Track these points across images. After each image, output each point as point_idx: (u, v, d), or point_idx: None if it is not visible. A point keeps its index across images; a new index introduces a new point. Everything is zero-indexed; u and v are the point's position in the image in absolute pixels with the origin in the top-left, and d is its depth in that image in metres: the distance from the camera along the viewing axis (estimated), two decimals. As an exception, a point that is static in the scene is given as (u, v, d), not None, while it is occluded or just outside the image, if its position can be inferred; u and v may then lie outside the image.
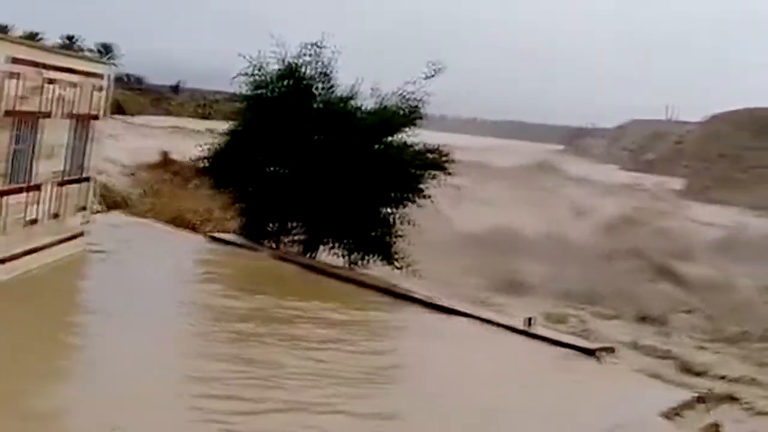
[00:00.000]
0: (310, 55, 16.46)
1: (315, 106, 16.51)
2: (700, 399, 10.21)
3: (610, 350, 11.50)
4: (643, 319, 25.97)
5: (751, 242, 37.39)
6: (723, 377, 19.89)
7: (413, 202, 16.54)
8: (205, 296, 11.42)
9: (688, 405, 9.65)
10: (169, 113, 56.60)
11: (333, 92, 16.76)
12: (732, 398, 17.50)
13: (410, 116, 16.47)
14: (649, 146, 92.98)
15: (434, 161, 16.67)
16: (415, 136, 16.69)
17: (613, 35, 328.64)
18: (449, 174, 16.95)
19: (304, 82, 16.48)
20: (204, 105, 62.16)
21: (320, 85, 16.68)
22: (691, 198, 56.43)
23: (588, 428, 7.83)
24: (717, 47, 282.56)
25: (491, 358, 10.38)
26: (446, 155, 16.85)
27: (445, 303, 12.69)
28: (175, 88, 71.56)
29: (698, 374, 20.30)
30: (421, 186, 16.45)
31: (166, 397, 7.06)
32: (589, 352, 10.91)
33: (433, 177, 16.59)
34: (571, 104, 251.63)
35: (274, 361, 8.57)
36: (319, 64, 16.52)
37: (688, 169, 71.16)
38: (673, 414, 9.14)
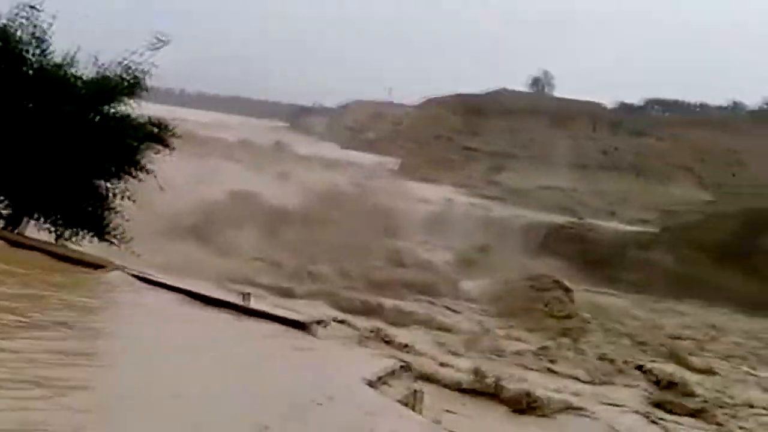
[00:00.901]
0: (25, 18, 15.21)
1: (28, 72, 15.33)
2: (406, 367, 10.83)
3: (323, 323, 11.78)
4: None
5: (457, 217, 40.31)
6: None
7: (132, 175, 15.94)
8: None
9: (393, 373, 10.20)
10: None
11: (49, 58, 15.64)
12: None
13: (132, 87, 15.76)
14: (369, 126, 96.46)
15: (156, 134, 16.15)
16: (138, 108, 16.05)
17: (339, 19, 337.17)
18: (173, 148, 16.53)
19: (17, 45, 15.23)
20: None
21: (34, 50, 15.48)
22: (406, 177, 59.42)
23: (295, 402, 7.95)
24: (433, 35, 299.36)
25: (201, 336, 10.10)
26: (169, 128, 16.39)
27: (158, 279, 12.29)
28: None
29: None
30: (142, 159, 15.89)
31: None
32: (303, 326, 10.94)
33: (156, 151, 16.08)
34: (297, 83, 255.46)
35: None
36: (35, 27, 15.33)
37: (404, 150, 74.84)
38: (379, 383, 9.58)
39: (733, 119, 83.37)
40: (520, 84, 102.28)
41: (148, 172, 15.93)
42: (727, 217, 32.75)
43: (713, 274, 29.91)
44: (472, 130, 74.25)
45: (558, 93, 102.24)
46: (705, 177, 60.37)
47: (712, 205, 41.23)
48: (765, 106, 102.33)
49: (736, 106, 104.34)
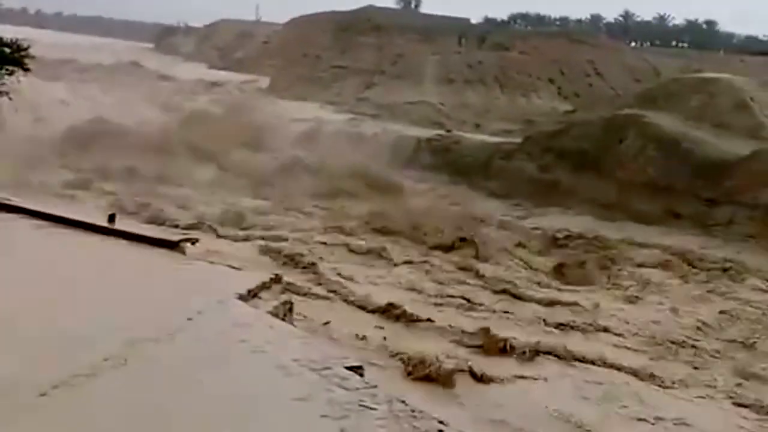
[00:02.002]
0: None
1: None
2: (277, 279, 11.02)
3: (194, 241, 11.77)
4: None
5: (329, 134, 40.42)
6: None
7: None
8: None
9: (264, 286, 10.42)
10: None
11: None
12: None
13: (-19, 7, 15.03)
14: (237, 46, 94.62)
15: (11, 56, 15.53)
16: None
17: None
18: (28, 70, 15.95)
19: None
20: None
21: None
22: (276, 95, 58.78)
23: (166, 318, 8.09)
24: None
25: (70, 258, 10.11)
26: (24, 50, 15.78)
27: (15, 203, 11.99)
28: None
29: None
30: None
31: None
32: (173, 245, 11.00)
33: (11, 73, 15.48)
34: (161, 3, 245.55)
35: None
36: None
37: (273, 68, 73.84)
38: (250, 296, 9.80)
39: (591, 32, 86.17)
40: (388, 1, 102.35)
41: (5, 94, 15.41)
42: (584, 125, 34.00)
43: (572, 179, 31.29)
44: (340, 48, 73.80)
45: (425, 10, 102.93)
46: (564, 88, 62.40)
47: (571, 115, 42.79)
48: (620, 19, 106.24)
49: (594, 20, 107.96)
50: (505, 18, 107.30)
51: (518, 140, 36.76)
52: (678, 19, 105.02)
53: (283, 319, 9.73)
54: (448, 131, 42.77)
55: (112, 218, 11.16)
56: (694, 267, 23.68)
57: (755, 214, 26.30)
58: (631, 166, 30.32)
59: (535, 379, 14.73)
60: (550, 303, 19.63)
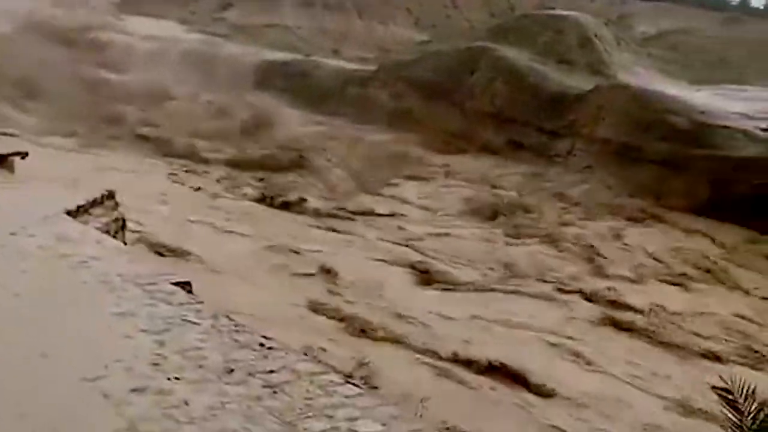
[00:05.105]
0: None
1: None
2: (110, 196, 10.72)
3: (24, 155, 11.24)
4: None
5: (181, 53, 39.24)
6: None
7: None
8: None
9: (96, 202, 10.15)
10: None
11: None
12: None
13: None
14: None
15: None
16: None
17: None
18: None
19: None
20: None
21: None
22: (128, 11, 56.26)
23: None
24: None
25: None
26: None
27: None
28: None
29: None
30: None
31: None
32: (1, 159, 10.50)
33: None
34: None
35: None
36: None
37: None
38: (81, 211, 9.53)
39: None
40: None
41: None
42: (438, 55, 34.40)
43: (422, 108, 31.84)
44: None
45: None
46: (422, 18, 62.56)
47: (427, 45, 43.16)
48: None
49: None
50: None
51: (373, 68, 36.84)
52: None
53: (114, 236, 9.55)
54: (307, 56, 42.28)
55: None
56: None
57: (593, 147, 27.63)
58: (480, 97, 31.10)
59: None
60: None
